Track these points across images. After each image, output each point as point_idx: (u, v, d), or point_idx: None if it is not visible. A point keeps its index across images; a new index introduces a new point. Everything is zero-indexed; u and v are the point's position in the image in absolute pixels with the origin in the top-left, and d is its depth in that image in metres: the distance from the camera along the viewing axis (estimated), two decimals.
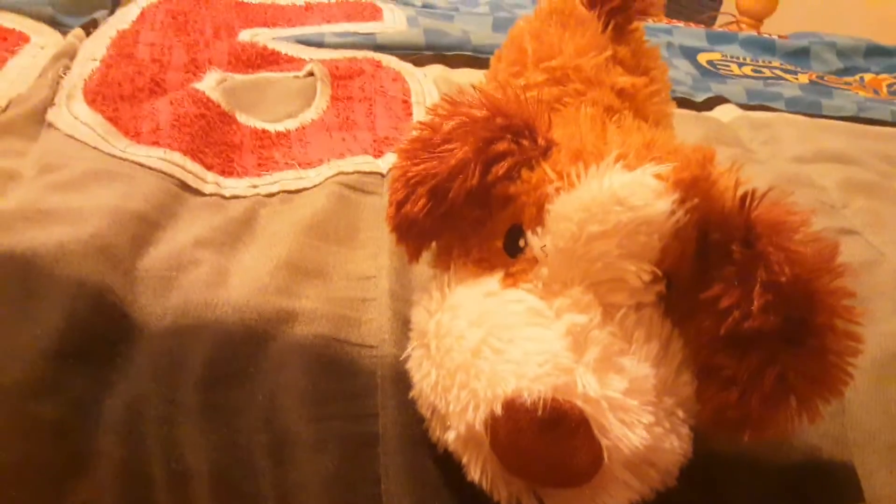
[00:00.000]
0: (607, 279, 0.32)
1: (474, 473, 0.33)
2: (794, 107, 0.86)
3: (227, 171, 0.59)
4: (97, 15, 0.82)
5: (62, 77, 0.67)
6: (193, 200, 0.54)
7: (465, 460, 0.33)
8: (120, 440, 0.37)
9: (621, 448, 0.30)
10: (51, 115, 0.60)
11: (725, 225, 0.32)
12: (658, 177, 0.32)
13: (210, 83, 0.69)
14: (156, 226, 0.50)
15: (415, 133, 0.38)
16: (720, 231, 0.32)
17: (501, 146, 0.35)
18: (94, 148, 0.56)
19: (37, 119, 0.60)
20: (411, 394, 0.37)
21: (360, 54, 0.82)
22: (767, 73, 0.99)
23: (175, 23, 0.82)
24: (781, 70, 1.01)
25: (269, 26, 0.88)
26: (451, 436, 0.33)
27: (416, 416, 0.39)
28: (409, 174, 0.36)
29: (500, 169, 0.35)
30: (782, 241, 0.31)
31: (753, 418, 0.32)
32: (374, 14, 0.96)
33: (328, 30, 0.88)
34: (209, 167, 0.58)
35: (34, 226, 0.45)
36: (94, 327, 0.41)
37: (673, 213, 0.31)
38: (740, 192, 0.33)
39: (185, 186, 0.55)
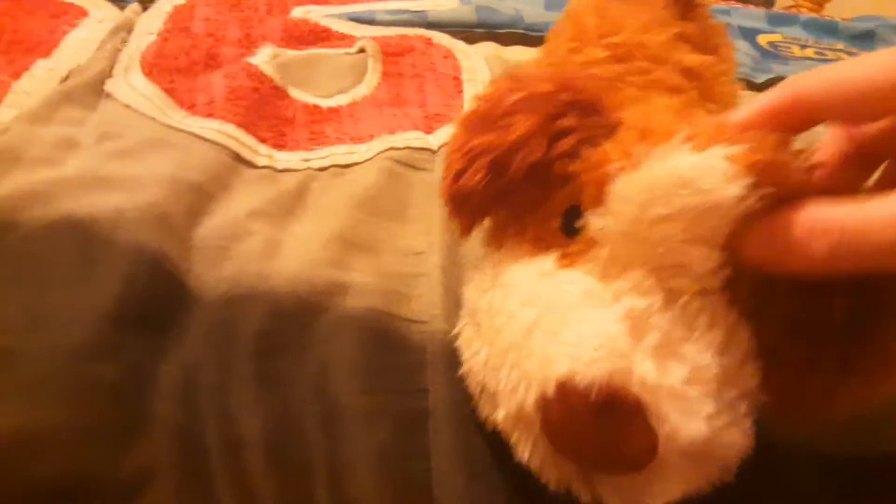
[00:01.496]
0: (670, 264, 0.31)
1: (524, 453, 0.32)
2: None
3: (279, 145, 0.59)
4: None
5: (120, 49, 0.68)
6: (247, 172, 0.54)
7: (514, 439, 0.32)
8: (176, 406, 0.37)
9: (678, 438, 0.28)
10: (109, 86, 0.61)
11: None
12: (730, 159, 0.30)
13: (263, 58, 0.69)
14: (211, 196, 0.50)
15: (475, 105, 0.36)
16: None
17: (567, 122, 0.34)
18: (152, 118, 0.57)
19: (95, 89, 0.61)
20: (461, 371, 0.36)
21: (411, 31, 0.81)
22: (831, 55, 0.95)
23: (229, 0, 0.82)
24: (845, 53, 0.97)
25: (321, 3, 0.87)
26: (500, 414, 0.32)
27: (466, 394, 0.39)
28: (469, 146, 0.35)
29: (565, 145, 0.34)
30: None
31: (818, 405, 0.31)
32: None
33: (379, 7, 0.88)
34: (262, 140, 0.58)
35: (93, 192, 0.46)
36: (151, 294, 0.42)
37: (744, 198, 0.29)
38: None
39: (238, 158, 0.55)
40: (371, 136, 0.61)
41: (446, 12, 0.86)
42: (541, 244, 0.35)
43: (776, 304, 0.32)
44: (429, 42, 0.79)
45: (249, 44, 0.73)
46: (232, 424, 0.37)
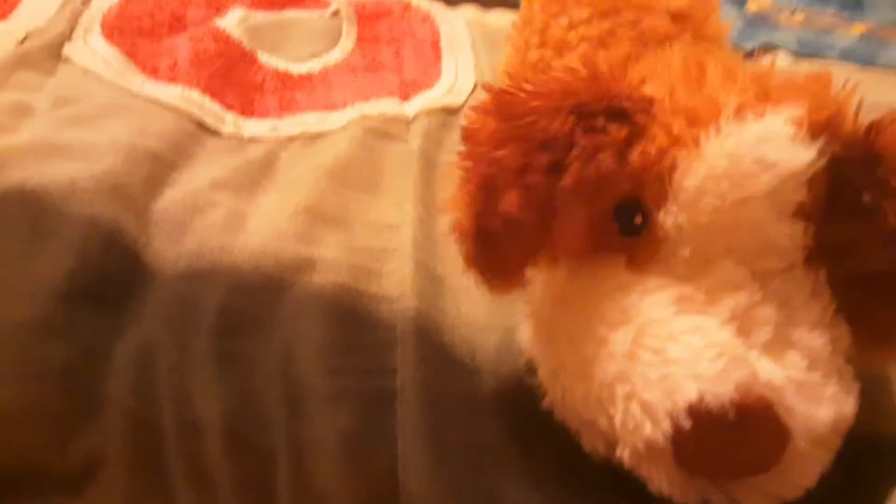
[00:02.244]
0: (757, 246, 0.29)
1: (659, 485, 0.29)
2: (848, 57, 0.81)
3: (246, 112, 0.56)
4: None
5: (81, 11, 0.64)
6: (211, 141, 0.52)
7: (644, 473, 0.30)
8: (130, 386, 0.36)
9: (814, 427, 0.28)
10: (67, 49, 0.58)
11: (852, 156, 0.29)
12: (794, 123, 0.28)
13: (232, 21, 0.66)
14: (171, 166, 0.48)
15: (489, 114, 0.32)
16: (847, 163, 0.29)
17: (599, 122, 0.30)
18: (111, 83, 0.54)
19: (53, 53, 0.58)
20: (544, 404, 0.34)
21: None
22: (820, 22, 0.93)
23: None
24: (837, 17, 0.95)
25: None
26: (624, 453, 0.30)
27: (436, 372, 0.37)
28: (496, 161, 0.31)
29: (635, 158, 0.30)
30: None
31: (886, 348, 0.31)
32: None
33: None
34: (228, 107, 0.56)
35: (45, 161, 0.44)
36: (105, 268, 0.40)
37: (815, 161, 0.28)
38: (863, 120, 0.30)
39: (202, 126, 0.53)
40: (344, 104, 0.59)
41: None
42: (600, 251, 0.32)
43: (848, 262, 0.31)
44: (407, 6, 0.76)
45: (218, 6, 0.69)
46: (189, 406, 0.35)
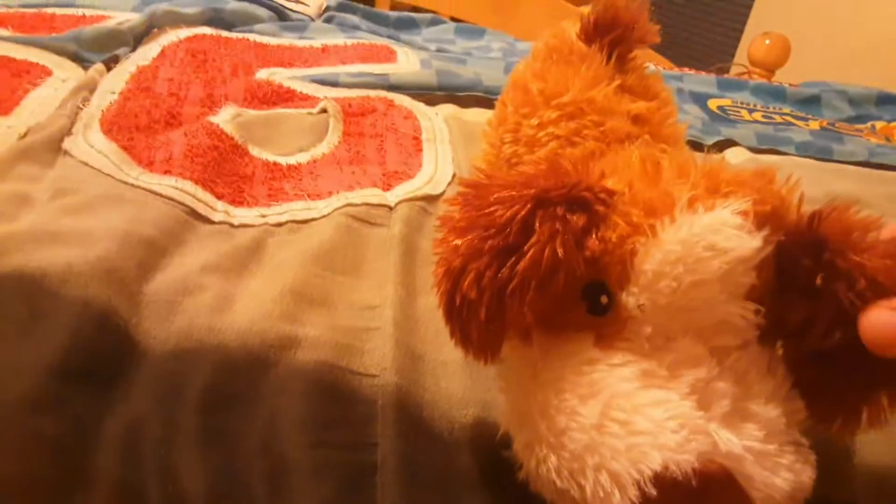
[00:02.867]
0: (712, 325, 0.32)
1: None
2: (805, 151, 0.86)
3: (237, 201, 0.59)
4: (119, 52, 0.84)
5: (81, 108, 0.68)
6: (202, 228, 0.55)
7: None
8: (118, 459, 0.37)
9: (773, 495, 0.29)
10: (67, 143, 0.61)
11: (799, 242, 0.32)
12: (742, 214, 0.31)
13: (225, 117, 0.70)
14: (164, 251, 0.50)
15: (459, 209, 0.35)
16: (795, 249, 0.32)
17: (580, 220, 0.33)
18: (108, 175, 0.57)
19: (53, 147, 0.61)
20: (520, 476, 0.35)
21: (373, 93, 0.83)
22: (778, 118, 1.00)
23: (194, 60, 0.84)
24: (792, 116, 1.01)
25: (286, 66, 0.89)
26: None
27: (415, 446, 0.38)
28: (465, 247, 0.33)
29: (594, 244, 0.33)
30: (854, 254, 0.30)
31: (842, 422, 0.33)
32: (389, 56, 0.98)
33: (343, 70, 0.90)
34: (220, 196, 0.59)
35: (44, 246, 0.46)
36: (97, 347, 0.41)
37: (762, 247, 0.31)
38: (805, 210, 0.33)
39: (194, 214, 0.55)
40: (329, 193, 0.62)
41: (408, 75, 0.89)
42: (570, 328, 0.35)
43: (804, 340, 0.32)
44: (390, 103, 0.81)
45: (212, 103, 0.74)
46: (175, 480, 0.36)
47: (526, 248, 0.32)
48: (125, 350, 0.42)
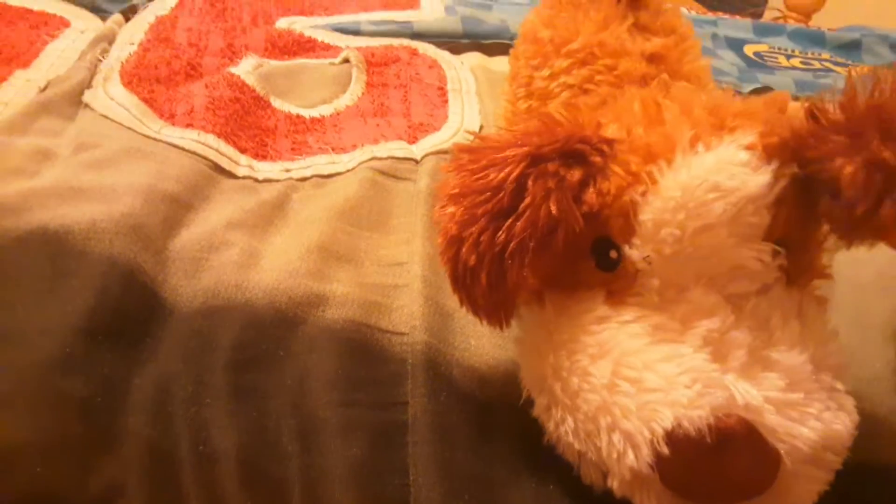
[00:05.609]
0: (725, 271, 0.30)
1: None
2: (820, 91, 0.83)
3: (260, 155, 0.58)
4: (137, 1, 0.82)
5: (100, 60, 0.67)
6: (226, 183, 0.54)
7: (637, 502, 0.31)
8: (148, 420, 0.36)
9: (799, 446, 0.28)
10: (87, 97, 0.60)
11: (813, 149, 0.29)
12: (747, 148, 0.29)
13: (246, 68, 0.69)
14: (188, 207, 0.49)
15: (455, 176, 0.33)
16: (812, 161, 0.30)
17: (576, 175, 0.31)
18: (129, 128, 0.56)
19: (74, 100, 0.60)
20: (545, 439, 0.34)
21: (396, 42, 0.81)
22: (817, 65, 0.95)
23: (213, 10, 0.82)
24: (832, 63, 0.97)
25: (306, 15, 0.87)
26: (613, 483, 0.31)
27: (447, 406, 0.38)
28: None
29: (591, 197, 0.31)
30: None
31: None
32: (412, 2, 0.94)
33: (365, 18, 0.87)
34: (243, 150, 0.58)
35: (67, 203, 0.45)
36: (124, 306, 0.41)
37: (773, 183, 0.29)
38: (804, 107, 0.30)
39: (218, 168, 0.54)
40: (354, 146, 0.61)
41: (432, 22, 0.86)
42: (582, 287, 0.33)
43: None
44: (414, 52, 0.79)
45: (232, 54, 0.72)
46: (205, 439, 0.36)
47: (521, 209, 0.30)
48: (152, 308, 0.42)
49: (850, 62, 1.01)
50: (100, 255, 0.42)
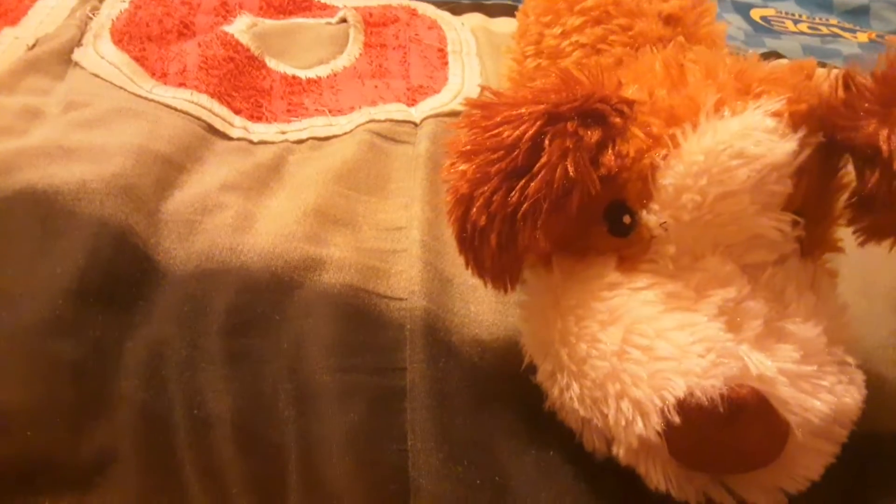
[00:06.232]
0: (744, 240, 0.29)
1: (656, 482, 0.29)
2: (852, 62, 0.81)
3: (255, 116, 0.57)
4: None
5: (91, 18, 0.65)
6: (220, 144, 0.52)
7: (642, 471, 0.30)
8: (140, 384, 0.36)
9: (810, 419, 0.27)
10: (77, 55, 0.59)
11: (845, 117, 0.29)
12: (774, 115, 0.28)
13: (240, 27, 0.67)
14: (181, 168, 0.48)
15: (468, 130, 0.32)
16: (842, 129, 0.29)
17: (594, 135, 0.30)
18: (120, 87, 0.55)
19: (63, 58, 0.58)
20: (545, 405, 0.34)
21: (395, 2, 0.79)
22: (824, 30, 0.94)
23: None
24: (839, 28, 0.95)
25: None
26: (619, 450, 0.30)
27: (446, 371, 0.37)
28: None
29: (610, 160, 0.30)
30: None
31: None
32: None
33: None
34: (237, 111, 0.56)
35: (56, 162, 0.44)
36: (115, 268, 0.40)
37: (798, 151, 0.28)
38: (833, 79, 0.30)
39: (211, 129, 0.53)
40: (352, 108, 0.59)
41: None
42: (592, 251, 0.32)
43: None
44: (413, 12, 0.77)
45: (226, 12, 0.70)
46: (200, 403, 0.35)
47: (536, 169, 0.29)
48: (145, 270, 0.41)
49: (857, 28, 0.99)
50: (90, 216, 0.41)
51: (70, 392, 0.35)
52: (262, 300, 0.40)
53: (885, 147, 0.27)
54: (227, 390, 0.36)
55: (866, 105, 0.28)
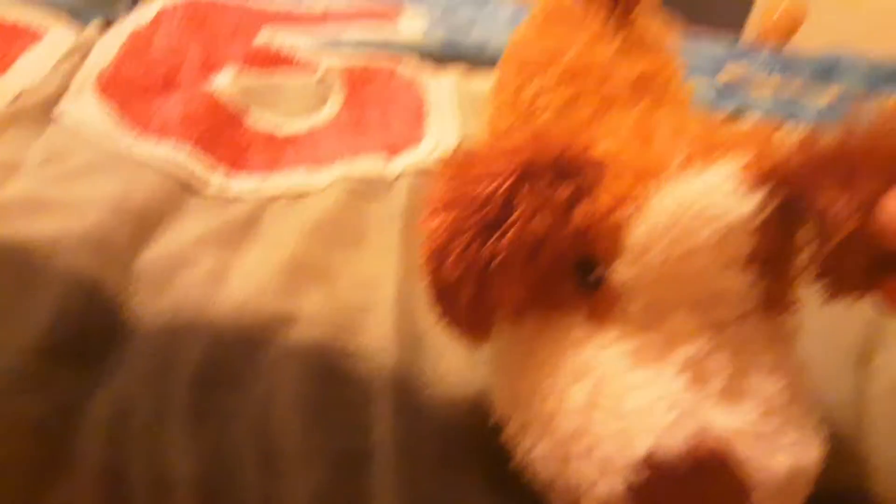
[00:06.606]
0: (708, 296, 0.30)
1: None
2: (822, 120, 0.84)
3: (233, 171, 0.57)
4: (115, 12, 0.81)
5: (75, 70, 0.66)
6: (197, 199, 0.53)
7: None
8: (103, 442, 0.35)
9: (770, 477, 0.28)
10: (60, 107, 0.60)
11: (802, 182, 0.30)
12: (737, 174, 0.29)
13: (224, 82, 0.68)
14: (156, 223, 0.49)
15: (443, 187, 0.33)
16: (799, 193, 0.30)
17: (543, 183, 0.31)
18: (100, 141, 0.55)
19: (45, 110, 0.59)
20: (514, 463, 0.34)
21: (375, 59, 0.81)
22: (792, 88, 0.97)
23: (192, 24, 0.81)
24: (807, 86, 0.98)
25: (289, 24, 0.87)
26: None
27: (412, 430, 0.37)
28: (450, 224, 0.31)
29: (580, 215, 0.31)
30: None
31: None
32: (392, 20, 0.94)
33: (345, 35, 0.87)
34: (215, 166, 0.57)
35: (31, 216, 0.45)
36: (85, 324, 0.40)
37: (760, 210, 0.29)
38: (795, 141, 0.31)
39: (188, 186, 0.54)
40: (330, 163, 0.60)
41: (412, 40, 0.86)
42: (562, 306, 0.33)
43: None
44: (394, 69, 0.79)
45: (210, 67, 0.72)
46: (162, 463, 0.35)
47: (509, 222, 0.30)
48: (114, 326, 0.41)
49: (824, 86, 1.02)
50: (62, 272, 0.41)
51: (31, 449, 0.35)
52: (232, 356, 0.40)
53: (840, 215, 0.28)
54: (190, 450, 0.35)
55: (825, 171, 0.29)
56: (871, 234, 0.27)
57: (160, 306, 0.42)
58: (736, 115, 0.82)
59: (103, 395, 0.37)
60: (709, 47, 1.09)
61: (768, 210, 0.29)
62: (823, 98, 0.95)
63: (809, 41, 1.35)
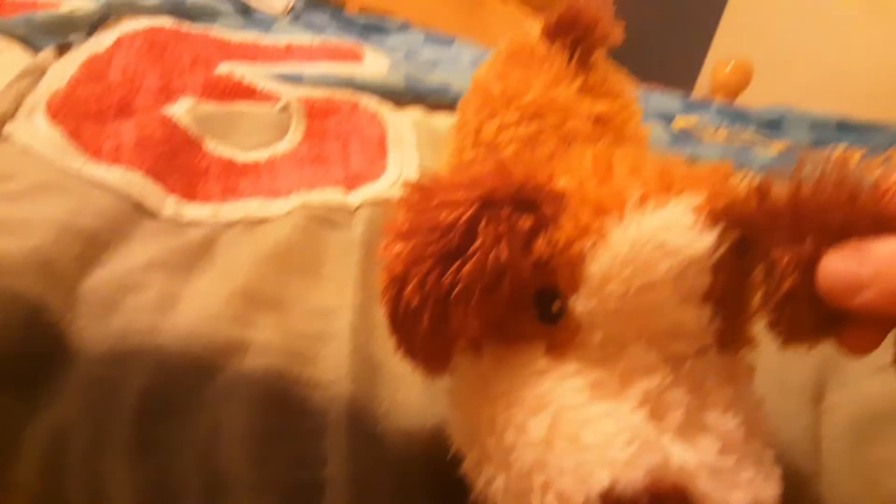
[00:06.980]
0: (666, 330, 0.30)
1: None
2: (771, 171, 0.87)
3: (188, 197, 0.56)
4: (71, 38, 0.80)
5: (26, 93, 0.64)
6: (149, 223, 0.51)
7: None
8: (39, 472, 0.33)
9: None
10: (8, 128, 0.58)
11: (755, 228, 0.30)
12: (694, 211, 0.29)
13: (181, 109, 0.67)
14: (105, 246, 0.47)
15: (403, 214, 0.32)
16: (752, 238, 0.30)
17: (527, 222, 0.31)
18: (50, 162, 0.54)
19: None
20: (471, 498, 0.33)
21: (338, 93, 0.81)
22: (741, 139, 1.00)
23: (152, 51, 0.80)
24: (755, 138, 1.02)
25: (248, 62, 0.86)
26: None
27: (367, 463, 0.36)
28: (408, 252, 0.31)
29: (541, 246, 0.31)
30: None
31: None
32: (356, 57, 0.95)
33: (308, 68, 0.87)
34: (170, 191, 0.55)
35: None
36: (24, 348, 0.38)
37: (717, 246, 0.29)
38: (749, 184, 0.31)
39: (140, 208, 0.52)
40: (288, 192, 0.59)
41: (375, 77, 0.87)
42: (522, 338, 0.33)
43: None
44: (355, 104, 0.79)
45: (168, 95, 0.70)
46: (101, 495, 0.33)
47: (470, 252, 0.30)
48: (55, 350, 0.39)
49: (772, 138, 1.06)
50: (2, 293, 0.39)
51: None
52: (178, 385, 0.38)
53: (786, 269, 0.28)
54: (130, 482, 0.34)
55: (775, 220, 0.29)
56: (814, 290, 0.27)
57: (105, 331, 0.40)
58: (691, 159, 0.84)
59: (42, 422, 0.35)
60: (661, 99, 1.13)
61: (724, 248, 0.30)
62: (772, 149, 0.99)
63: (755, 100, 1.41)
